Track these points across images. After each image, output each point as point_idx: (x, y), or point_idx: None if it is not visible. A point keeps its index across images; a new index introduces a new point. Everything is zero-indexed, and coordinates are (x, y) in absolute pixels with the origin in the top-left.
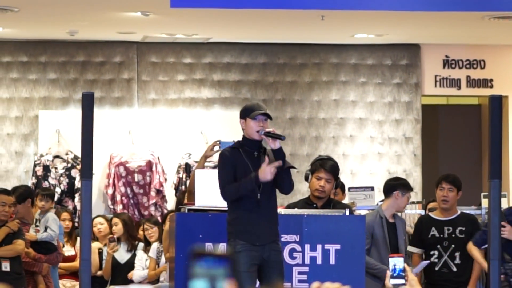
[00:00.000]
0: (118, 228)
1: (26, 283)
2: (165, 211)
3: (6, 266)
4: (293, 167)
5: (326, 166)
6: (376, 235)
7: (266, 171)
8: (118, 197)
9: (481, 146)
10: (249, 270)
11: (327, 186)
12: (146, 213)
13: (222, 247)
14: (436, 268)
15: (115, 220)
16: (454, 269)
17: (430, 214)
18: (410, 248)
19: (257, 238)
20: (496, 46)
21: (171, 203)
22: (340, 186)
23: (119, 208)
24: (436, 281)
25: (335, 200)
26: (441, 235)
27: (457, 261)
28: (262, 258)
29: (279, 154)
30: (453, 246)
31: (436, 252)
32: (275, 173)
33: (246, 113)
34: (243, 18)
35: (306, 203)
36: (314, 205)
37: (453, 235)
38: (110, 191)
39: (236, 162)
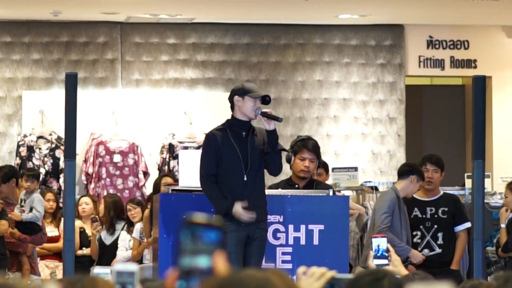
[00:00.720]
0: (89, 207)
1: (10, 264)
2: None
3: None
4: (285, 150)
5: (309, 145)
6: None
7: (241, 215)
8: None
9: (465, 126)
10: (236, 250)
11: (311, 166)
12: (118, 195)
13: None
14: (419, 249)
15: (86, 199)
16: (437, 249)
17: (413, 194)
18: None
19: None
20: (480, 26)
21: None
22: (323, 166)
23: (91, 186)
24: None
25: (317, 181)
26: (424, 216)
27: (440, 241)
28: (247, 237)
29: (272, 135)
30: (435, 226)
31: (419, 233)
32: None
33: (245, 92)
34: None
35: (287, 184)
36: (296, 186)
37: (436, 216)
38: (89, 169)
39: (222, 143)
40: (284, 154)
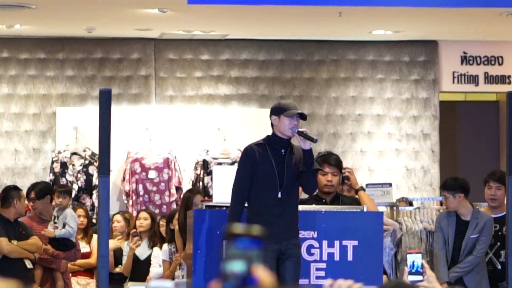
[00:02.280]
0: (147, 223)
1: (43, 280)
2: None
3: (29, 263)
4: (320, 169)
5: (330, 160)
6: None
7: None
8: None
9: (499, 142)
10: (267, 263)
11: (334, 180)
12: (157, 211)
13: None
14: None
15: (145, 214)
16: (499, 266)
17: (480, 210)
18: None
19: (274, 236)
20: None
21: None
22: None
23: (129, 203)
24: None
25: (342, 195)
26: None
27: (502, 259)
28: (280, 251)
29: (308, 154)
30: (498, 243)
31: None
32: (300, 173)
33: (281, 110)
34: (260, 14)
35: (315, 199)
36: (324, 200)
37: (500, 233)
38: (126, 187)
39: (260, 158)
40: None
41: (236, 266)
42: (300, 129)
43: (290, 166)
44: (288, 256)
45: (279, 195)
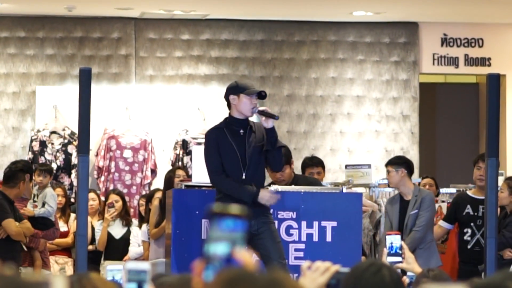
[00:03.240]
0: (119, 205)
1: (22, 259)
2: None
3: (24, 246)
4: (284, 146)
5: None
6: None
7: (270, 199)
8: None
9: (479, 124)
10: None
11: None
12: (125, 190)
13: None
14: (469, 246)
15: (115, 197)
16: None
17: (468, 192)
18: (441, 223)
19: None
20: (495, 24)
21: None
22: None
23: (101, 180)
24: (469, 259)
25: (300, 176)
26: (475, 213)
27: None
28: (250, 233)
29: (271, 133)
30: None
31: (469, 230)
32: (265, 152)
33: (240, 89)
34: None
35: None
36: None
37: None
38: (100, 162)
39: (220, 142)
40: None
41: (219, 248)
42: (260, 108)
43: (251, 146)
44: (263, 235)
45: (244, 176)
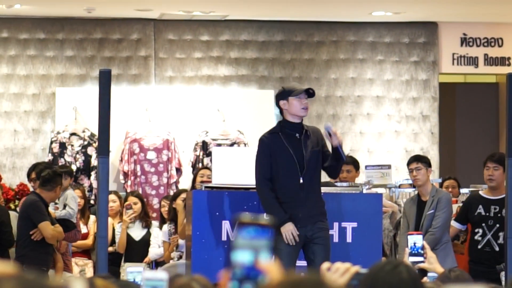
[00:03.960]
0: (138, 207)
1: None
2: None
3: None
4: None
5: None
6: None
7: (290, 234)
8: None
9: (499, 124)
10: (290, 250)
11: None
12: (153, 192)
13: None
14: (479, 247)
15: (134, 199)
16: (497, 248)
17: (480, 192)
18: (453, 223)
19: (299, 221)
20: None
21: (188, 181)
22: (353, 163)
23: (128, 184)
24: (479, 259)
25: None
26: (487, 214)
27: (500, 240)
28: (305, 237)
29: (337, 152)
30: (497, 225)
31: (481, 230)
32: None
33: (287, 93)
34: None
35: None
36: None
37: (499, 215)
38: (125, 167)
39: (276, 148)
40: None
41: (242, 256)
42: (332, 128)
43: (308, 150)
44: (316, 241)
45: (301, 181)
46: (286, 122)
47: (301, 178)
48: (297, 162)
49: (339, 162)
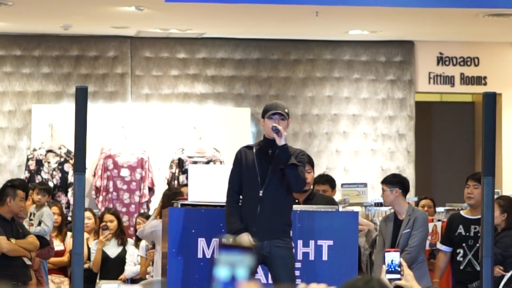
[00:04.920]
0: (114, 224)
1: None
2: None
3: (27, 260)
4: (296, 164)
5: None
6: None
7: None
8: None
9: (475, 143)
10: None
11: (309, 177)
12: (124, 209)
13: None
14: (461, 267)
15: (110, 216)
16: (478, 268)
17: (461, 212)
18: (438, 245)
19: (253, 235)
20: (490, 43)
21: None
22: (329, 182)
23: (99, 200)
24: (461, 280)
25: (317, 194)
26: (467, 233)
27: None
28: (262, 255)
29: (282, 151)
30: (477, 245)
31: (461, 251)
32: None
33: (263, 114)
34: (237, 13)
35: None
36: (297, 201)
37: (479, 234)
38: (97, 182)
39: (245, 159)
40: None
41: (220, 272)
42: (274, 125)
43: (276, 166)
44: (273, 259)
45: (260, 194)
46: (264, 139)
47: (261, 191)
48: (258, 175)
49: (285, 164)
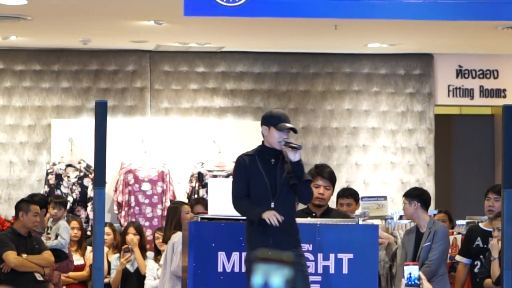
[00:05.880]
0: (137, 238)
1: None
2: None
3: (39, 276)
4: (312, 180)
5: (324, 173)
6: None
7: (271, 217)
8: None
9: (494, 156)
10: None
11: (326, 193)
12: (147, 224)
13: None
14: (478, 280)
15: (133, 230)
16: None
17: (480, 224)
18: (458, 257)
19: (271, 246)
20: (510, 56)
21: None
22: (353, 195)
23: (122, 215)
24: None
25: (334, 209)
26: (485, 246)
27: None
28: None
29: (297, 167)
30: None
31: (479, 263)
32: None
33: (271, 121)
34: (256, 27)
35: (305, 212)
36: (313, 214)
37: None
38: (119, 198)
39: (250, 168)
40: None
41: (255, 279)
42: (286, 140)
43: (282, 176)
44: (295, 267)
45: (272, 205)
46: (264, 147)
47: (272, 203)
48: (269, 187)
49: (301, 180)
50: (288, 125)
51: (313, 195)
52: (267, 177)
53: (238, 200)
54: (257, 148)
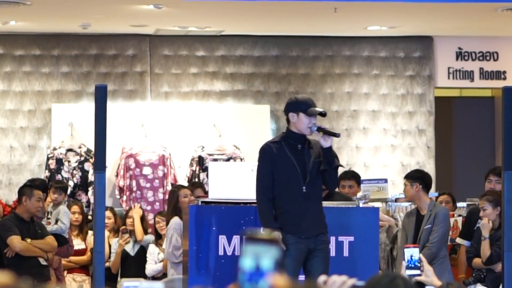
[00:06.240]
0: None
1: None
2: None
3: (43, 261)
4: (341, 165)
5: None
6: None
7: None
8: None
9: (495, 138)
10: (295, 262)
11: (350, 193)
12: (149, 208)
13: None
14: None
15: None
16: None
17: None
18: (458, 240)
19: (304, 231)
20: (509, 37)
21: None
22: (354, 178)
23: (123, 199)
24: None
25: (336, 192)
26: None
27: None
28: (308, 250)
29: (329, 152)
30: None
31: None
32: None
33: (299, 107)
34: (255, 10)
35: None
36: None
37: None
38: (120, 182)
39: (277, 155)
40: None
41: (245, 262)
42: (319, 126)
43: (310, 160)
44: (317, 253)
45: (304, 190)
46: (290, 132)
47: (304, 187)
48: (299, 171)
49: (331, 166)
50: (318, 109)
51: (338, 183)
52: (297, 162)
53: (261, 195)
54: (281, 135)
